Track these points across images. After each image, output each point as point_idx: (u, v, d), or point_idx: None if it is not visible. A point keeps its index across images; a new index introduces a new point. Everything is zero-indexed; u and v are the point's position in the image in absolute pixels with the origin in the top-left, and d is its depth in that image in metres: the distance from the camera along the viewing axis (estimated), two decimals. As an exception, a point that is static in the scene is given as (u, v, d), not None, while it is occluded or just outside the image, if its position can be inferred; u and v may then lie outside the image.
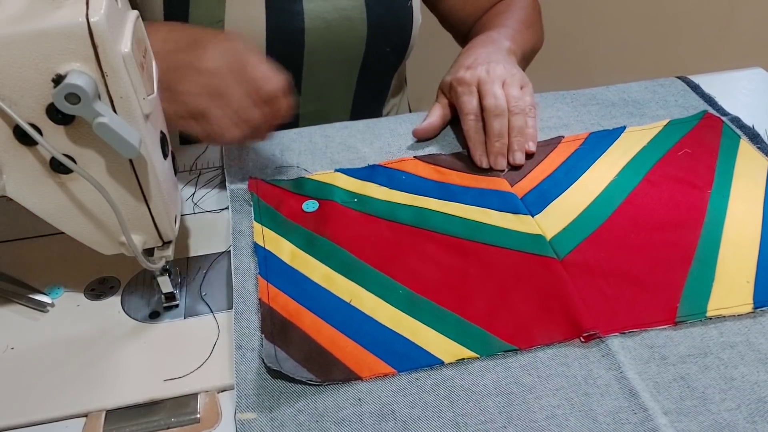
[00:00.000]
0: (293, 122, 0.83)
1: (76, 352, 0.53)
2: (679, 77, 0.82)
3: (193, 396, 0.49)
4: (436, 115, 0.75)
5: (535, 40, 0.88)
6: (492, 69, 0.72)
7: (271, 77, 0.62)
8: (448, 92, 0.75)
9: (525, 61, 0.84)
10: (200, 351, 0.52)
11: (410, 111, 1.01)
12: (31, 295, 0.56)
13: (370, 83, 0.87)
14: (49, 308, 0.56)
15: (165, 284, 0.55)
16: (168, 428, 0.48)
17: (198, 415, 0.48)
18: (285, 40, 0.76)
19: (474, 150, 0.70)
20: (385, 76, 0.89)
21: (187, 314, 0.56)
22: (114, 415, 0.48)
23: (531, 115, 0.71)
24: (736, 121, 0.74)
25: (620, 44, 1.58)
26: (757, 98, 0.79)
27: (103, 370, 0.51)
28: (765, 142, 0.71)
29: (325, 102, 0.86)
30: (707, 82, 0.80)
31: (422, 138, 0.74)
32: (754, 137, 0.71)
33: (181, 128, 0.63)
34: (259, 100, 0.61)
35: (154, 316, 0.56)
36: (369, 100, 0.90)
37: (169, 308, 0.56)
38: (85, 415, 0.48)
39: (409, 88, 1.03)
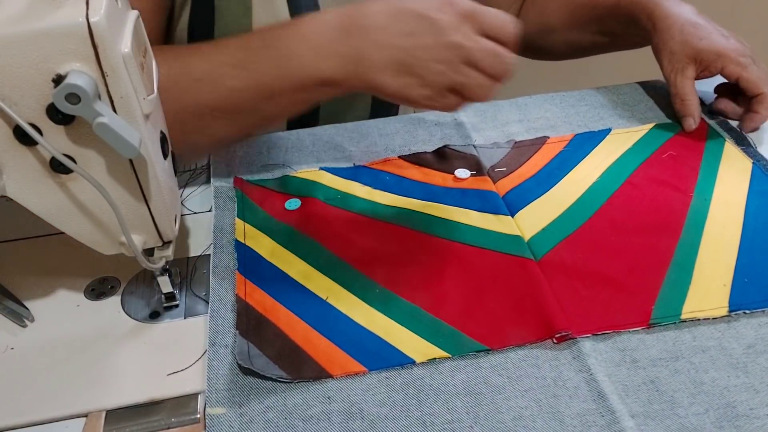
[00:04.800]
0: (313, 124, 0.83)
1: (76, 352, 0.53)
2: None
3: (193, 396, 0.49)
4: (695, 99, 0.72)
5: None
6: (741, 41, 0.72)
7: (502, 18, 0.57)
8: (705, 61, 0.71)
9: None
10: (200, 351, 0.52)
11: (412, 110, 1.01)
12: (12, 308, 0.55)
13: None
14: (28, 323, 0.55)
15: (165, 284, 0.55)
16: (168, 428, 0.48)
17: (198, 415, 0.48)
18: None
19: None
20: None
21: (187, 314, 0.56)
22: (114, 415, 0.48)
23: None
24: (723, 124, 0.74)
25: (620, 44, 1.57)
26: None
27: (103, 370, 0.51)
28: (751, 144, 0.71)
29: (346, 103, 0.86)
30: (707, 82, 0.80)
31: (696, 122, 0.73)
32: (739, 139, 0.71)
33: (433, 108, 0.59)
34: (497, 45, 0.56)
35: (154, 316, 0.56)
36: (385, 103, 0.89)
37: (169, 308, 0.56)
38: (85, 415, 0.48)
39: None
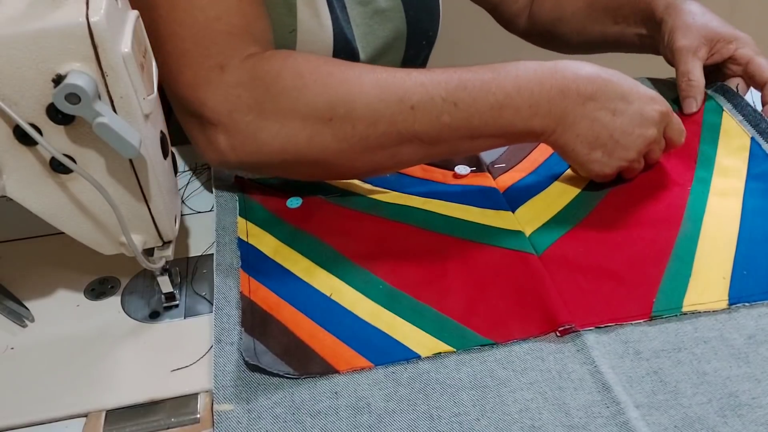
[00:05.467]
0: None
1: (76, 352, 0.53)
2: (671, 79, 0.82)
3: (193, 396, 0.49)
4: (701, 79, 0.73)
5: None
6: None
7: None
8: (718, 44, 0.73)
9: None
10: (200, 351, 0.52)
11: None
12: (12, 308, 0.55)
13: None
14: (28, 322, 0.55)
15: (165, 284, 0.55)
16: (168, 428, 0.48)
17: (198, 415, 0.48)
18: (344, 47, 0.75)
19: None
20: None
21: (187, 314, 0.56)
22: (114, 415, 0.48)
23: None
24: (720, 88, 0.74)
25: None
26: (758, 98, 0.79)
27: (103, 370, 0.51)
28: (750, 107, 0.71)
29: None
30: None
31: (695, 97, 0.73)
32: (737, 103, 0.71)
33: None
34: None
35: (154, 316, 0.56)
36: None
37: (169, 308, 0.56)
38: (85, 415, 0.48)
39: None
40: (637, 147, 0.61)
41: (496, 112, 0.58)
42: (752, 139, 0.68)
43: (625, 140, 0.61)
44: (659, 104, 0.61)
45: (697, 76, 0.73)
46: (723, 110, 0.71)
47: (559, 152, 0.62)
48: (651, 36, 0.79)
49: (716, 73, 0.76)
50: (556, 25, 0.91)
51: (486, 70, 0.59)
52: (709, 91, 0.75)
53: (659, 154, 0.65)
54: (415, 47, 0.83)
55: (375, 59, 0.79)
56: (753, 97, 0.73)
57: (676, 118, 0.63)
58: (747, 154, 0.67)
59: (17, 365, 0.52)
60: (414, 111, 0.57)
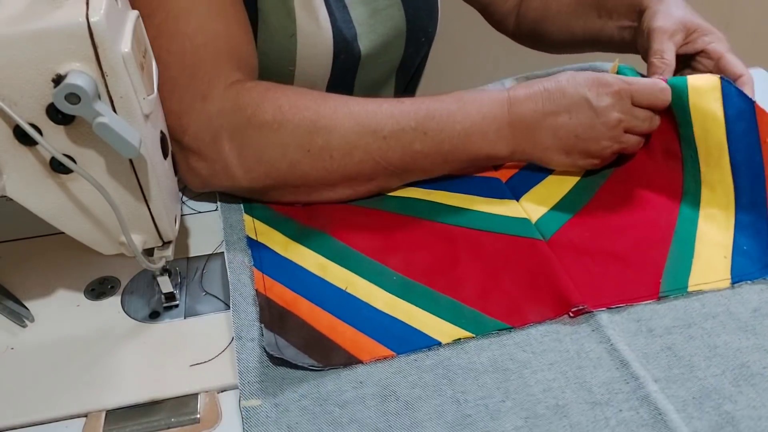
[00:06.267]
0: None
1: (76, 352, 0.53)
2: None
3: (193, 396, 0.49)
4: (673, 59, 0.71)
5: None
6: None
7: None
8: (692, 33, 0.73)
9: None
10: (200, 351, 0.52)
11: None
12: (12, 308, 0.55)
13: (406, 76, 0.88)
14: (28, 323, 0.55)
15: (165, 284, 0.55)
16: (168, 428, 0.48)
17: (198, 415, 0.48)
18: (347, 49, 0.76)
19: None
20: (420, 67, 0.90)
21: (187, 314, 0.56)
22: (114, 415, 0.48)
23: None
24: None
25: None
26: (758, 98, 0.79)
27: (103, 370, 0.51)
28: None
29: None
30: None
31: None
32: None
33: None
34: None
35: (154, 316, 0.56)
36: (404, 94, 0.90)
37: (169, 308, 0.56)
38: (85, 415, 0.48)
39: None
40: (605, 135, 0.62)
41: (465, 138, 0.62)
42: (721, 78, 0.63)
43: (591, 134, 0.62)
44: (606, 86, 0.62)
45: (670, 57, 0.72)
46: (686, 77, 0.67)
47: (544, 166, 0.66)
48: (632, 27, 0.78)
49: (686, 68, 0.75)
50: (541, 24, 0.91)
51: (452, 100, 0.63)
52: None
53: (644, 124, 0.64)
54: (415, 45, 0.83)
55: (376, 57, 0.80)
56: None
57: (637, 83, 0.62)
58: (719, 94, 0.63)
59: (17, 365, 0.52)
60: (387, 140, 0.61)
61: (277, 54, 0.73)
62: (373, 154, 0.61)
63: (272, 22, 0.71)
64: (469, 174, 0.68)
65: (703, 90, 0.63)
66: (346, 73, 0.78)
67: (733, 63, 0.71)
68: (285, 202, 0.65)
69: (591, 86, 0.62)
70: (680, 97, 0.63)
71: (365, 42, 0.78)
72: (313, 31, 0.73)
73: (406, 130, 0.61)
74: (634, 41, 0.78)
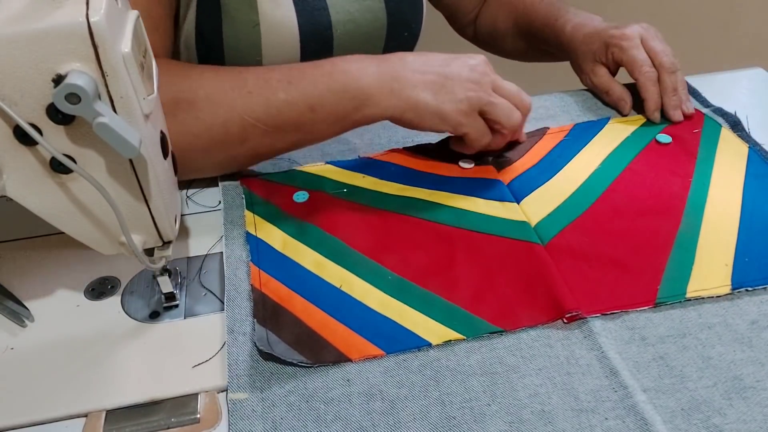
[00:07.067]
0: None
1: (76, 352, 0.53)
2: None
3: (193, 396, 0.49)
4: (615, 86, 0.77)
5: None
6: (645, 27, 0.76)
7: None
8: (605, 54, 0.76)
9: None
10: (200, 351, 0.52)
11: None
12: (12, 308, 0.55)
13: None
14: (28, 323, 0.55)
15: (165, 284, 0.55)
16: (168, 428, 0.48)
17: (198, 415, 0.48)
18: (316, 37, 0.77)
19: (649, 102, 0.74)
20: None
21: (187, 314, 0.56)
22: (114, 415, 0.48)
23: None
24: (718, 111, 0.75)
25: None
26: (757, 98, 0.79)
27: (103, 370, 0.51)
28: (745, 130, 0.72)
29: None
30: (707, 82, 0.80)
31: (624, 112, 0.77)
32: (734, 125, 0.72)
33: (465, 133, 0.65)
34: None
35: (154, 316, 0.56)
36: None
37: (169, 308, 0.56)
38: (85, 415, 0.48)
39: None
40: (476, 80, 0.63)
41: (328, 78, 0.62)
42: (750, 147, 0.69)
43: (462, 77, 0.63)
44: (480, 66, 0.65)
45: (610, 84, 0.78)
46: (721, 126, 0.72)
47: (412, 115, 0.63)
48: (557, 44, 0.84)
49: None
50: (494, 38, 0.98)
51: (324, 62, 0.64)
52: (706, 112, 0.75)
53: (511, 88, 0.65)
54: (397, 39, 0.83)
55: (353, 48, 0.80)
56: (748, 123, 0.73)
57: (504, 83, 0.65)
58: (745, 160, 0.68)
59: (17, 365, 0.52)
60: (251, 95, 0.61)
61: (243, 45, 0.74)
62: (238, 110, 0.61)
63: (235, 15, 0.73)
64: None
65: (731, 142, 0.70)
66: None
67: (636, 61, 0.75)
68: (187, 178, 0.66)
69: (467, 61, 0.65)
70: (711, 136, 0.70)
71: (340, 31, 0.78)
72: (278, 20, 0.75)
73: (270, 82, 0.62)
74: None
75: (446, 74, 0.63)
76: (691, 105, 0.75)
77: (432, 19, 0.95)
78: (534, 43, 0.90)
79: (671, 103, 0.73)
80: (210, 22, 0.74)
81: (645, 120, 0.75)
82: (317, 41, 0.77)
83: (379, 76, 0.62)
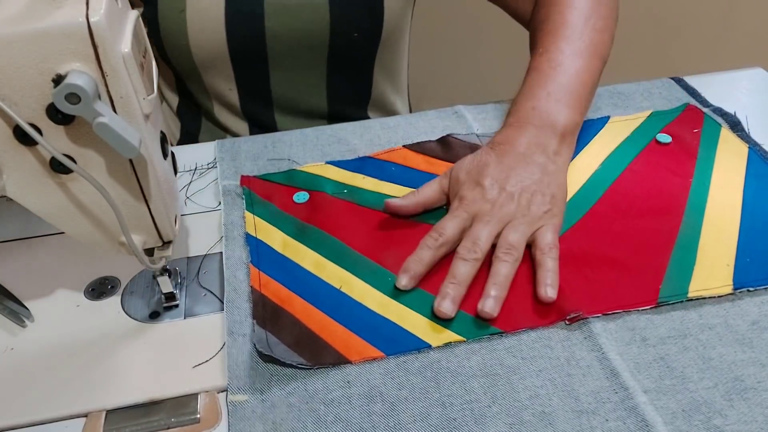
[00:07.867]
0: (268, 107, 0.87)
1: (76, 352, 0.53)
2: (672, 78, 0.83)
3: (193, 396, 0.49)
4: (424, 194, 0.63)
5: (604, 55, 0.72)
6: (505, 201, 0.60)
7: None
8: (453, 183, 0.64)
9: (590, 100, 0.71)
10: (200, 351, 0.52)
11: (410, 111, 1.01)
12: (12, 308, 0.55)
13: (344, 71, 0.87)
14: (28, 323, 0.55)
15: (165, 284, 0.55)
16: (168, 428, 0.48)
17: (198, 415, 0.48)
18: (245, 26, 0.79)
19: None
20: (361, 65, 0.89)
21: (187, 314, 0.56)
22: (114, 415, 0.48)
23: (551, 255, 0.56)
24: (718, 111, 0.75)
25: (619, 44, 1.58)
26: (757, 98, 0.79)
27: (103, 370, 0.51)
28: (744, 130, 0.72)
29: (297, 90, 0.88)
30: (707, 83, 0.80)
31: (396, 213, 0.63)
32: (734, 125, 0.72)
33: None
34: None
35: (154, 316, 0.56)
36: (346, 88, 0.90)
37: (169, 308, 0.56)
38: (85, 415, 0.48)
39: (410, 88, 1.03)
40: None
41: None
42: (750, 147, 0.69)
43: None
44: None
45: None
46: (721, 127, 0.72)
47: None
48: None
49: None
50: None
51: None
52: (706, 112, 0.75)
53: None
54: (345, 38, 0.83)
55: (290, 41, 0.81)
56: (747, 123, 0.73)
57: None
58: (745, 160, 0.68)
59: (17, 365, 0.52)
60: None
61: (171, 30, 0.78)
62: None
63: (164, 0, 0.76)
64: None
65: (731, 142, 0.70)
66: (251, 52, 0.80)
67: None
68: None
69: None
70: (711, 136, 0.70)
71: (274, 23, 0.79)
72: (204, 6, 0.78)
73: None
74: None
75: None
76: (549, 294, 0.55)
77: (431, 19, 0.95)
78: None
79: (443, 289, 0.55)
80: (150, 9, 0.79)
81: (645, 119, 0.75)
82: (247, 31, 0.78)
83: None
